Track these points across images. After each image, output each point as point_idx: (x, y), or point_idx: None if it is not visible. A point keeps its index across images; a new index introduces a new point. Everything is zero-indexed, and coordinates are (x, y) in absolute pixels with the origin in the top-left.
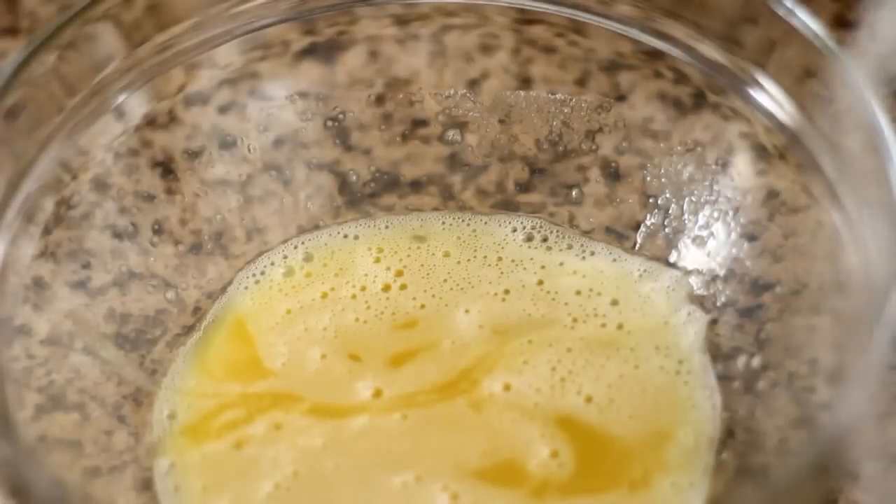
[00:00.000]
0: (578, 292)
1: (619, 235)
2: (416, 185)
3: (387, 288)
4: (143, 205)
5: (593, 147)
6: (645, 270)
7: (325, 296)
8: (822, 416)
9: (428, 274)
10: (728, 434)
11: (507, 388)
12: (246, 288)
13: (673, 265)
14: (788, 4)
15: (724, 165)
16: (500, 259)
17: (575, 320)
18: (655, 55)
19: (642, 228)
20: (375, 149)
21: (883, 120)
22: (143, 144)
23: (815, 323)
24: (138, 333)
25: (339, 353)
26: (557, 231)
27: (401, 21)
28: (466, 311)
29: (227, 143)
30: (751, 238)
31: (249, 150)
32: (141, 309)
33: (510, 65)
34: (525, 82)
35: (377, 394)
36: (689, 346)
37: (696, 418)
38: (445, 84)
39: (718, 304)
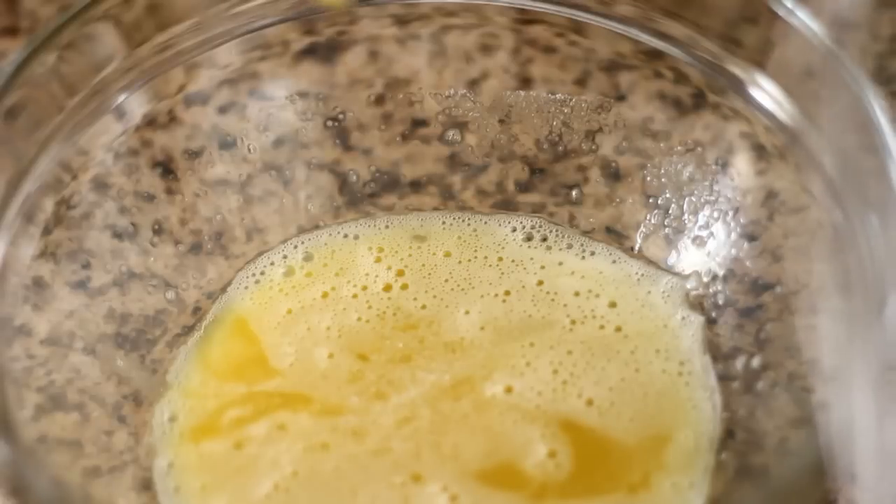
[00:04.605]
0: (577, 293)
1: (619, 235)
2: (416, 185)
3: (388, 288)
4: (143, 205)
5: (593, 147)
6: (644, 273)
7: (325, 295)
8: (822, 416)
9: (429, 274)
10: (728, 434)
11: (508, 390)
12: (246, 288)
13: (672, 266)
14: (788, 4)
15: (724, 165)
16: (500, 259)
17: (574, 322)
18: (655, 55)
19: (642, 228)
20: (375, 149)
21: (883, 120)
22: (143, 144)
23: (815, 323)
24: (138, 333)
25: (346, 352)
26: (557, 231)
27: (401, 21)
28: (467, 313)
29: (227, 143)
30: (751, 238)
31: (249, 150)
32: (141, 309)
33: (510, 65)
34: (525, 82)
35: (382, 395)
36: (689, 348)
37: (696, 419)
38: (445, 84)
39: (718, 304)
